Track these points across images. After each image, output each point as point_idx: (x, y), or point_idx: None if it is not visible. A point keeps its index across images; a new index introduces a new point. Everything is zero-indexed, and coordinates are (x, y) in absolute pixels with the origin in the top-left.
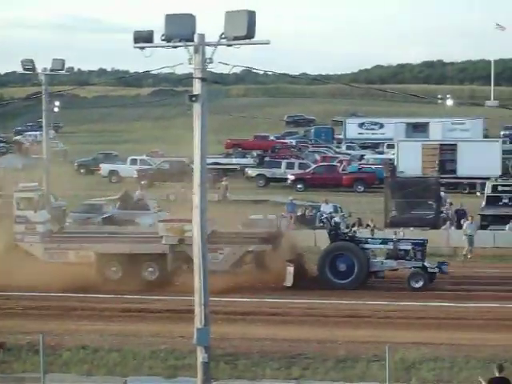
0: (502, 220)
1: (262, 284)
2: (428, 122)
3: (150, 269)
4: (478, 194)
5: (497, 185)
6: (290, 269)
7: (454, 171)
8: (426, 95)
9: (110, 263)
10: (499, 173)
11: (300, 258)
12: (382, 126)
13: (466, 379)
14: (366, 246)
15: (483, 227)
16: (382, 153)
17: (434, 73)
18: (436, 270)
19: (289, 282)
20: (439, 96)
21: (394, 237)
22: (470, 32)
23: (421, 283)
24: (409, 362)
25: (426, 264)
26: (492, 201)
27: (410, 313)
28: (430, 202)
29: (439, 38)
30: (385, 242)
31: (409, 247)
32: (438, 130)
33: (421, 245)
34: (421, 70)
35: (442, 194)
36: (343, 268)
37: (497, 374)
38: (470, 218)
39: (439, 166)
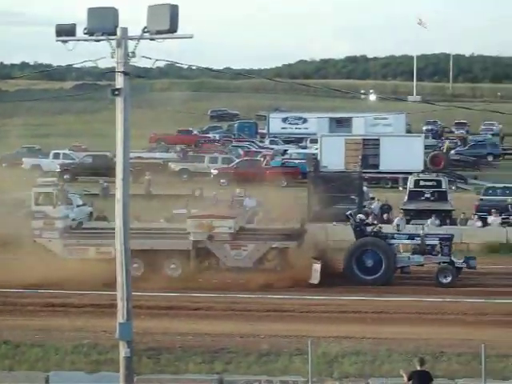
0: (424, 214)
1: (286, 281)
2: (351, 117)
3: (173, 265)
4: (401, 188)
5: (419, 179)
6: (317, 266)
7: (376, 166)
8: (349, 90)
9: (132, 260)
10: (421, 167)
11: (324, 254)
12: (305, 120)
13: (388, 373)
14: (392, 241)
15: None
16: (305, 147)
17: (358, 68)
18: (464, 265)
19: (315, 279)
20: (362, 91)
21: (421, 232)
22: (392, 28)
23: (449, 278)
24: (331, 355)
25: (453, 259)
26: (414, 195)
27: (333, 307)
28: (353, 197)
29: (362, 33)
30: (411, 237)
31: (436, 242)
32: (360, 124)
33: (448, 239)
34: (344, 66)
35: (365, 188)
36: (370, 264)
37: (418, 368)
38: (400, 214)
39: (362, 160)
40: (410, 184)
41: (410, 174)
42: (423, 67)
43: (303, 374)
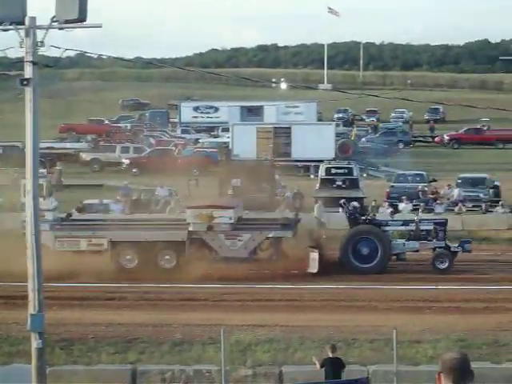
0: (335, 202)
1: (281, 271)
2: (262, 106)
3: (167, 257)
4: (312, 176)
5: (330, 167)
6: (314, 254)
7: (288, 154)
8: (260, 79)
9: (125, 251)
10: (333, 155)
11: (319, 243)
12: (216, 109)
13: (301, 360)
14: (387, 228)
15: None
16: (217, 136)
17: (269, 56)
18: (459, 249)
19: (314, 268)
20: (273, 80)
21: (416, 217)
22: (303, 16)
23: (446, 264)
24: (244, 344)
25: (448, 243)
26: (326, 183)
27: (245, 295)
28: (265, 185)
29: (273, 21)
30: (406, 223)
31: (431, 227)
32: (272, 113)
33: (442, 224)
34: (255, 54)
35: (277, 176)
36: (366, 252)
37: (330, 355)
38: (319, 201)
39: (274, 149)
40: (322, 172)
41: (322, 162)
42: (334, 55)
43: (216, 363)
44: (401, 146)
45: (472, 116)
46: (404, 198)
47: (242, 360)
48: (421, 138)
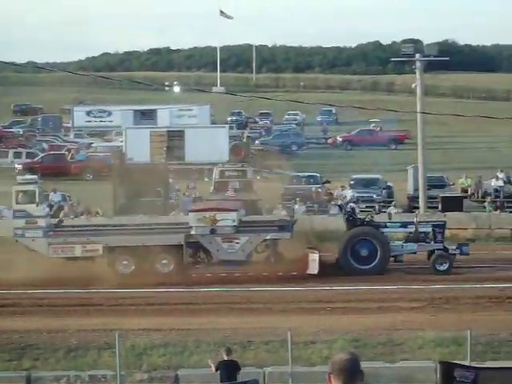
0: None
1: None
2: (156, 109)
3: (164, 261)
4: (207, 179)
5: (224, 170)
6: (315, 256)
7: (182, 157)
8: (153, 82)
9: (122, 256)
10: (227, 158)
11: (315, 245)
12: (109, 113)
13: (197, 363)
14: (385, 230)
15: None
16: (110, 140)
17: (161, 60)
18: (457, 251)
19: (314, 269)
20: (166, 83)
21: (414, 219)
22: (195, 19)
23: (446, 265)
24: (140, 348)
25: (446, 246)
26: (220, 186)
27: (141, 300)
28: (159, 189)
29: (166, 24)
30: (404, 225)
31: (429, 229)
32: (165, 116)
33: (441, 226)
34: (148, 58)
35: (171, 180)
36: (365, 253)
37: (225, 357)
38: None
39: (167, 152)
40: (216, 175)
41: (216, 164)
42: (227, 58)
43: (112, 368)
44: (294, 147)
45: (364, 117)
46: (298, 199)
47: (138, 364)
48: (314, 140)
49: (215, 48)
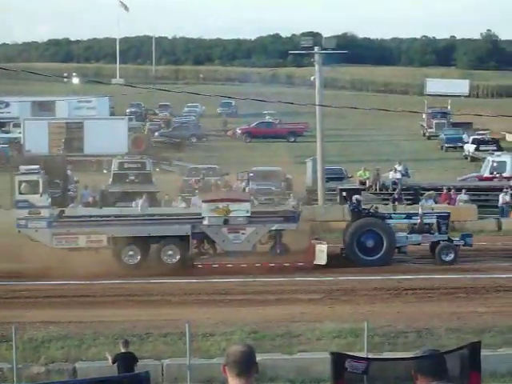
0: (128, 197)
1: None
2: (54, 101)
3: (170, 252)
4: (105, 171)
5: (123, 162)
6: (323, 246)
7: (81, 149)
8: (52, 73)
9: (127, 247)
10: (126, 150)
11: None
12: (7, 104)
13: (95, 356)
14: (390, 221)
15: (110, 204)
16: (8, 132)
17: (60, 51)
18: (461, 242)
19: (322, 259)
20: (65, 74)
21: (419, 211)
22: (94, 10)
23: (452, 256)
24: (37, 341)
25: (450, 237)
26: (119, 178)
27: (38, 292)
28: (57, 181)
29: (64, 16)
30: (409, 216)
31: (434, 220)
32: (64, 108)
33: (445, 218)
34: (47, 48)
35: (69, 172)
36: (371, 244)
37: (123, 350)
38: (143, 196)
39: (66, 144)
40: (115, 167)
41: (115, 156)
42: (126, 50)
43: (9, 361)
44: (194, 140)
45: (264, 110)
46: (196, 191)
47: (35, 357)
48: (213, 132)
49: (115, 39)
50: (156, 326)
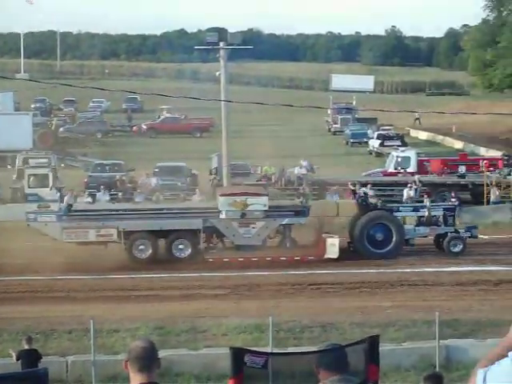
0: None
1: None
2: None
3: (181, 246)
4: (10, 167)
5: (28, 157)
6: (334, 240)
7: None
8: None
9: (138, 241)
10: (31, 145)
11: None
12: None
13: None
14: (398, 214)
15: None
16: None
17: None
18: (467, 234)
19: (334, 253)
20: None
21: (427, 203)
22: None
23: (460, 247)
24: None
25: (457, 229)
26: (22, 174)
27: None
28: None
29: None
30: (417, 209)
31: (440, 213)
32: None
33: (452, 210)
34: None
35: None
36: (380, 237)
37: (26, 347)
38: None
39: None
40: (19, 162)
41: (19, 152)
42: (31, 45)
43: None
44: (99, 135)
45: (169, 105)
46: (102, 187)
47: None
48: (119, 128)
49: (18, 34)
50: (61, 322)
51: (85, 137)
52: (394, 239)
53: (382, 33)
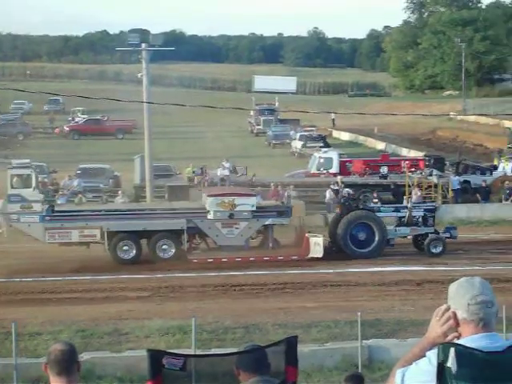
0: None
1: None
2: None
3: (165, 246)
4: None
5: None
6: (318, 239)
7: None
8: None
9: (122, 242)
10: None
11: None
12: None
13: None
14: (379, 214)
15: None
16: None
17: None
18: (447, 235)
19: (319, 252)
20: None
21: (408, 204)
22: None
23: (440, 248)
24: None
25: (437, 229)
26: None
27: None
28: None
29: None
30: (397, 209)
31: (421, 213)
32: None
33: (432, 211)
34: None
35: None
36: (363, 237)
37: None
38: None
39: None
40: None
41: None
42: None
43: None
44: (21, 137)
45: (93, 107)
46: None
47: None
48: (41, 129)
49: None
50: None
51: (6, 139)
52: (376, 239)
53: (305, 34)
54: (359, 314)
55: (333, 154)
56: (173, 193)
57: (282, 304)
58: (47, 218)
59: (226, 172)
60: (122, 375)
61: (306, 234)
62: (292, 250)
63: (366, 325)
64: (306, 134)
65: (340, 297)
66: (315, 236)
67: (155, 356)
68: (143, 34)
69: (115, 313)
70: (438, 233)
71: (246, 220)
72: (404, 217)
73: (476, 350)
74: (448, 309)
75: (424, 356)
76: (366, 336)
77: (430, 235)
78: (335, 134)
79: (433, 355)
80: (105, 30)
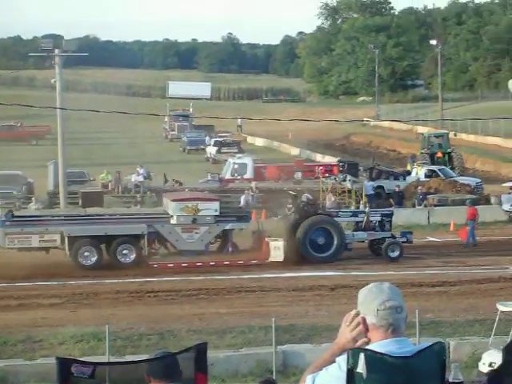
0: None
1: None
2: None
3: (125, 251)
4: None
5: None
6: (278, 243)
7: None
8: None
9: (83, 247)
10: None
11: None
12: None
13: None
14: (337, 219)
15: None
16: None
17: None
18: (403, 239)
19: (279, 256)
20: None
21: (366, 209)
22: None
23: (397, 253)
24: None
25: (393, 234)
26: None
27: None
28: None
29: None
30: (355, 214)
31: (378, 218)
32: None
33: (389, 215)
34: None
35: None
36: (322, 242)
37: None
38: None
39: None
40: None
41: None
42: None
43: None
44: None
45: (7, 113)
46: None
47: None
48: None
49: None
50: None
51: None
52: (335, 243)
53: (219, 40)
54: (273, 319)
55: (247, 160)
56: (87, 199)
57: (197, 310)
58: (7, 223)
59: (141, 178)
60: (35, 383)
61: (266, 238)
62: (251, 254)
63: (281, 330)
64: (220, 139)
65: (254, 302)
66: (275, 240)
67: (64, 364)
68: (56, 39)
69: (28, 320)
70: (395, 237)
71: (206, 225)
72: (361, 221)
73: (385, 355)
74: (358, 314)
75: (334, 362)
76: (281, 341)
77: (387, 239)
78: (250, 139)
79: (342, 361)
80: (18, 36)
